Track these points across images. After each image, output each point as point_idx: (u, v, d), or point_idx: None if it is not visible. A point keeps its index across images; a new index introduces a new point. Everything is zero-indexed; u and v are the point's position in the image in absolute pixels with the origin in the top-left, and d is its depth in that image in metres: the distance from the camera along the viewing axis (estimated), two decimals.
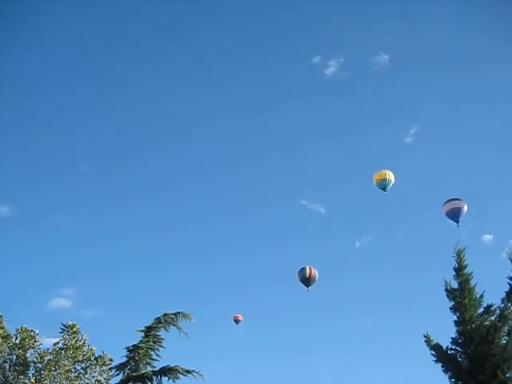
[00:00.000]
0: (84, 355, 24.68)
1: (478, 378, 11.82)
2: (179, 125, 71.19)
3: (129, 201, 68.71)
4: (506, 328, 12.21)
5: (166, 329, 17.14)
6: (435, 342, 12.80)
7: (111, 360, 24.53)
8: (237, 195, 72.07)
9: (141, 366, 16.57)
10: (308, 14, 62.88)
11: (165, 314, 17.26)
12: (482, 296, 12.68)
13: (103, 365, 24.71)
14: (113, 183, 72.82)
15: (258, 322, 56.06)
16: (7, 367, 23.99)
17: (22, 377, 23.95)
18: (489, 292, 12.91)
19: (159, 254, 68.01)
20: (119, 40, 66.91)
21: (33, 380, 23.61)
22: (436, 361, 12.66)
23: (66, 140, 71.32)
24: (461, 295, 12.67)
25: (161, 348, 17.03)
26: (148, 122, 70.56)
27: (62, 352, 24.41)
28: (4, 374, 23.73)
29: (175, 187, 70.36)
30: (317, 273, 37.03)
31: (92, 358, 24.77)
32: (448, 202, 33.54)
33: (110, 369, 23.27)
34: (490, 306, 12.51)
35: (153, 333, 17.04)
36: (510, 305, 12.36)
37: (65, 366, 24.19)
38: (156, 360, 16.85)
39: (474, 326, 12.37)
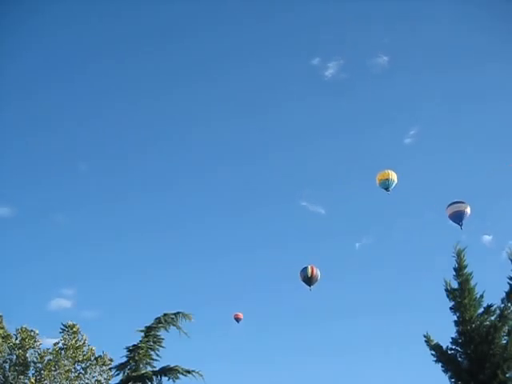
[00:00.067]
0: (84, 355, 24.69)
1: (478, 378, 11.82)
2: (179, 125, 71.28)
3: (129, 201, 68.78)
4: (506, 328, 12.22)
5: (166, 329, 17.14)
6: (435, 342, 12.81)
7: (111, 360, 24.55)
8: (237, 195, 72.13)
9: (141, 365, 16.58)
10: (308, 15, 62.98)
11: (165, 314, 17.27)
12: (482, 296, 12.69)
13: (103, 365, 24.72)
14: (113, 183, 72.89)
15: (258, 322, 56.08)
16: (7, 367, 24.00)
17: (22, 377, 23.96)
18: (489, 292, 12.94)
19: (159, 254, 68.06)
20: (119, 40, 67.00)
21: (33, 380, 23.61)
22: (436, 361, 12.66)
23: (65, 140, 71.37)
24: (461, 295, 12.67)
25: (161, 348, 17.04)
26: (148, 122, 70.65)
27: (62, 352, 24.41)
28: (4, 374, 23.74)
29: (175, 187, 70.43)
30: (319, 272, 37.08)
31: (92, 358, 24.78)
32: (451, 204, 33.54)
33: (110, 369, 23.28)
34: (490, 306, 12.52)
35: (153, 333, 17.04)
36: (510, 305, 12.36)
37: (65, 365, 24.20)
38: (156, 360, 16.87)
39: (473, 325, 12.37)
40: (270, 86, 70.61)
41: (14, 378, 23.79)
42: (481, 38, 53.96)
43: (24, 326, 24.87)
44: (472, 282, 12.77)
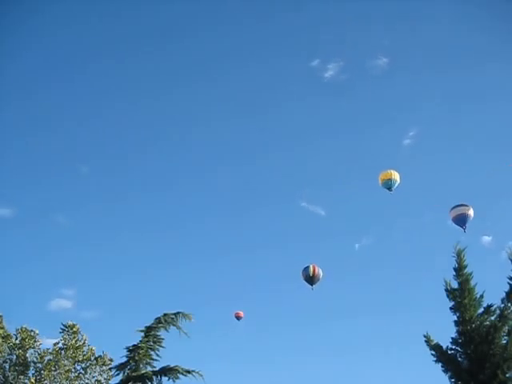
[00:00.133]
0: (84, 355, 24.70)
1: (478, 378, 11.82)
2: (179, 125, 71.30)
3: (129, 201, 68.81)
4: (506, 328, 12.21)
5: (166, 329, 17.14)
6: (435, 341, 12.81)
7: (111, 360, 24.56)
8: (237, 195, 72.15)
9: (141, 365, 16.57)
10: (307, 15, 62.99)
11: (165, 314, 17.26)
12: (482, 296, 12.69)
13: (103, 365, 24.73)
14: (113, 183, 72.92)
15: (258, 322, 56.13)
16: (7, 367, 24.01)
17: (22, 377, 23.97)
18: (489, 292, 12.94)
19: (159, 254, 68.08)
20: (119, 40, 67.02)
21: (33, 380, 23.62)
22: (436, 361, 12.66)
23: (65, 140, 71.40)
24: (461, 295, 12.67)
25: (161, 348, 17.04)
26: (148, 122, 70.62)
27: (62, 352, 24.43)
28: (4, 374, 23.75)
29: (175, 187, 70.44)
30: (321, 271, 37.17)
31: (92, 358, 24.79)
32: (454, 208, 33.63)
33: (110, 369, 23.29)
34: (490, 306, 12.52)
35: (153, 333, 17.04)
36: (510, 305, 12.36)
37: (65, 365, 24.21)
38: (156, 360, 16.86)
39: (474, 325, 12.37)
40: (270, 86, 70.74)
41: (13, 378, 23.80)
42: (481, 38, 54.05)
43: (24, 326, 24.91)
44: (472, 282, 12.77)
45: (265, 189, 71.92)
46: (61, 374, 23.97)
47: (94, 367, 24.68)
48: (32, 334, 24.68)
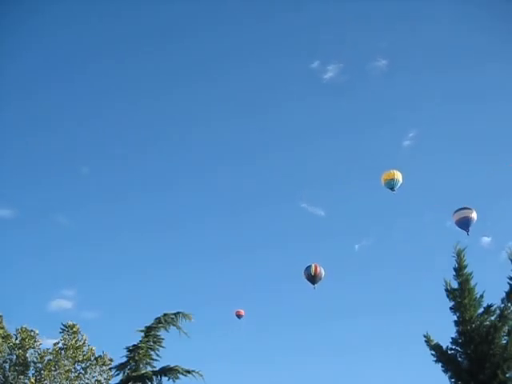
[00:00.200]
0: (84, 355, 24.70)
1: (478, 378, 11.82)
2: (179, 125, 71.28)
3: (129, 201, 68.79)
4: (506, 328, 12.22)
5: (166, 329, 17.14)
6: (435, 341, 12.82)
7: (111, 360, 24.56)
8: (237, 195, 72.14)
9: (141, 365, 16.57)
10: (307, 15, 62.99)
11: (165, 314, 17.27)
12: (482, 296, 12.69)
13: (103, 365, 24.73)
14: (113, 183, 72.91)
15: (258, 322, 56.06)
16: (7, 367, 24.01)
17: (22, 377, 23.97)
18: (489, 292, 12.94)
19: (159, 254, 68.09)
20: (119, 40, 67.00)
21: (33, 380, 23.62)
22: (436, 361, 12.67)
23: (65, 140, 71.37)
24: (461, 295, 12.68)
25: (161, 348, 17.04)
26: (148, 122, 70.60)
27: (62, 352, 24.43)
28: (4, 374, 23.75)
29: (175, 187, 70.43)
30: (322, 270, 37.34)
31: (92, 358, 24.79)
32: (458, 211, 33.78)
33: (110, 369, 23.29)
34: (490, 306, 12.52)
35: (153, 333, 17.04)
36: (510, 305, 12.37)
37: (65, 365, 24.21)
38: (156, 360, 16.86)
39: (474, 325, 12.38)
40: (270, 86, 70.74)
41: (13, 378, 23.80)
42: (481, 38, 54.03)
43: (24, 326, 24.91)
44: (472, 282, 12.78)
45: (265, 189, 72.01)
46: (61, 373, 23.97)
47: (93, 367, 24.68)
48: (32, 334, 24.68)
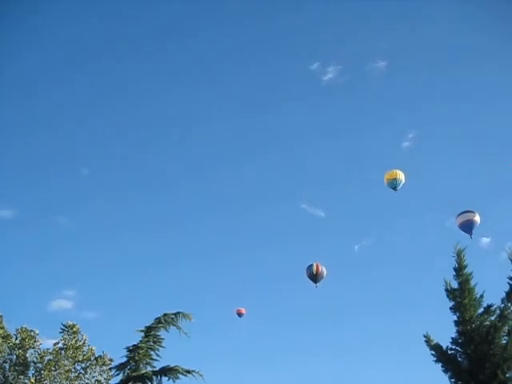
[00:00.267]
0: (84, 355, 24.71)
1: (478, 378, 11.82)
2: (179, 125, 71.24)
3: (129, 201, 68.77)
4: (506, 328, 12.22)
5: (166, 329, 17.15)
6: (435, 341, 12.82)
7: (111, 360, 24.57)
8: (237, 195, 72.12)
9: (141, 366, 16.58)
10: (307, 15, 63.00)
11: (165, 314, 17.27)
12: (482, 296, 12.70)
13: (103, 365, 24.74)
14: (113, 183, 72.88)
15: (258, 322, 55.94)
16: (7, 367, 24.02)
17: (22, 377, 23.98)
18: (489, 292, 12.94)
19: (159, 254, 68.05)
20: (119, 40, 66.95)
21: (33, 380, 23.63)
22: (436, 361, 12.67)
23: (66, 140, 71.30)
24: (461, 295, 12.68)
25: (161, 348, 17.05)
26: (148, 122, 70.57)
27: (62, 352, 24.44)
28: (4, 374, 23.76)
29: (175, 187, 70.38)
30: (324, 269, 37.58)
31: (92, 358, 24.80)
32: (461, 214, 33.93)
33: (110, 369, 23.29)
34: (490, 306, 12.52)
35: (153, 333, 17.05)
36: (510, 305, 12.37)
37: (65, 365, 24.22)
38: (156, 360, 16.87)
39: (474, 325, 12.38)
40: (270, 86, 70.72)
41: (13, 378, 23.81)
42: (481, 38, 53.98)
43: (24, 326, 24.92)
44: (472, 282, 12.78)
45: (265, 189, 71.96)
46: (61, 373, 23.97)
47: (94, 367, 24.69)
48: (32, 334, 24.69)
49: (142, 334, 17.05)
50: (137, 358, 16.58)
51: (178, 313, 17.27)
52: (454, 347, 12.56)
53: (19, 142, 66.40)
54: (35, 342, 24.67)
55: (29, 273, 60.26)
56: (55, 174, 70.40)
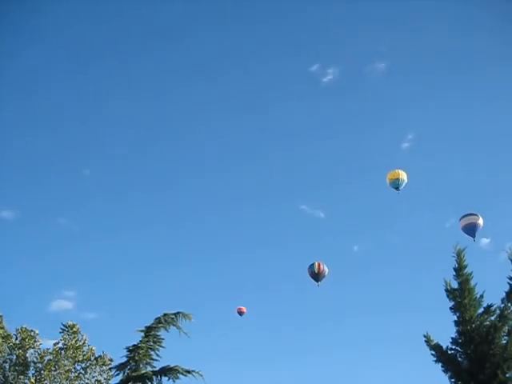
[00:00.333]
0: (84, 355, 24.71)
1: (478, 378, 11.83)
2: (179, 125, 71.23)
3: (129, 201, 68.79)
4: (506, 328, 12.23)
5: (166, 329, 17.15)
6: (435, 341, 12.83)
7: (111, 360, 24.57)
8: (237, 195, 72.16)
9: (141, 366, 16.58)
10: (307, 15, 62.96)
11: (165, 314, 17.27)
12: (482, 296, 12.71)
13: (103, 365, 24.74)
14: (112, 183, 72.82)
15: (258, 322, 55.93)
16: (7, 367, 24.02)
17: (22, 377, 23.98)
18: (489, 292, 12.95)
19: (159, 254, 68.06)
20: (119, 40, 66.97)
21: (33, 380, 23.63)
22: (436, 361, 12.68)
23: (66, 140, 71.23)
24: (461, 295, 12.69)
25: (161, 348, 17.04)
26: (148, 122, 70.56)
27: (62, 352, 24.44)
28: (4, 374, 23.76)
29: (175, 187, 70.37)
30: (326, 268, 37.74)
31: (92, 358, 24.80)
32: (464, 217, 34.03)
33: (110, 369, 23.29)
34: (490, 306, 12.54)
35: (153, 333, 17.05)
36: (510, 305, 12.38)
37: (65, 365, 24.22)
38: (156, 360, 16.87)
39: (474, 325, 12.39)
40: (270, 86, 70.72)
41: (13, 378, 23.81)
42: (481, 39, 54.03)
43: (24, 326, 24.91)
44: (472, 282, 12.79)
45: (265, 189, 71.94)
46: (61, 373, 23.98)
47: (94, 367, 24.70)
48: (32, 334, 24.69)
49: (142, 334, 17.04)
50: (137, 357, 16.58)
51: (178, 313, 17.28)
52: (453, 347, 12.57)
53: (19, 142, 66.45)
54: (35, 341, 24.67)
55: (29, 273, 60.30)
56: (55, 174, 70.44)
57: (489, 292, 12.88)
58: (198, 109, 67.85)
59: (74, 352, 24.46)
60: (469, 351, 12.26)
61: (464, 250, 13.14)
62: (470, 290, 12.68)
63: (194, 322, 17.41)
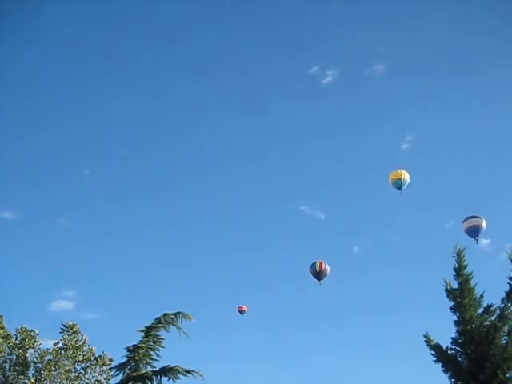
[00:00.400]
0: (84, 355, 24.72)
1: (478, 378, 11.83)
2: (179, 125, 71.24)
3: (129, 201, 68.79)
4: (506, 328, 12.23)
5: (166, 329, 17.15)
6: (435, 341, 12.83)
7: (111, 360, 24.58)
8: (237, 195, 72.19)
9: (141, 366, 16.59)
10: (307, 16, 62.97)
11: (165, 314, 17.28)
12: (482, 296, 12.71)
13: (103, 365, 24.75)
14: (112, 183, 72.80)
15: (258, 322, 55.92)
16: (7, 367, 24.03)
17: (22, 377, 23.99)
18: (489, 292, 12.95)
19: (159, 254, 68.06)
20: (119, 40, 66.93)
21: (33, 380, 23.64)
22: (436, 361, 12.68)
23: (66, 140, 71.21)
24: (461, 295, 12.69)
25: (161, 348, 17.05)
26: (148, 122, 70.56)
27: (62, 352, 24.45)
28: (4, 374, 23.76)
29: (175, 187, 70.38)
30: (328, 267, 37.93)
31: (92, 358, 24.81)
32: (467, 219, 34.10)
33: (110, 369, 23.30)
34: (490, 306, 12.54)
35: (153, 333, 17.06)
36: (510, 305, 12.38)
37: (65, 365, 24.22)
38: (156, 360, 16.88)
39: (474, 325, 12.39)
40: (270, 87, 70.74)
41: (13, 378, 23.82)
42: (481, 39, 54.02)
43: (24, 326, 24.93)
44: (472, 282, 12.80)
45: (265, 189, 71.94)
46: (61, 373, 23.98)
47: (94, 367, 24.71)
48: (32, 334, 24.70)
49: (142, 334, 17.05)
50: (137, 357, 16.59)
51: (178, 313, 17.28)
52: (453, 347, 12.58)
53: (19, 142, 66.44)
54: (35, 342, 24.69)
55: (29, 273, 60.27)
56: (55, 174, 70.42)
57: (489, 292, 12.91)
58: (198, 109, 67.93)
59: (73, 352, 24.47)
60: (469, 351, 12.26)
61: (464, 250, 13.16)
62: (470, 290, 12.69)
63: (194, 322, 17.45)
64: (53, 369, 23.97)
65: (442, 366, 12.58)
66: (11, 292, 53.28)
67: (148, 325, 17.23)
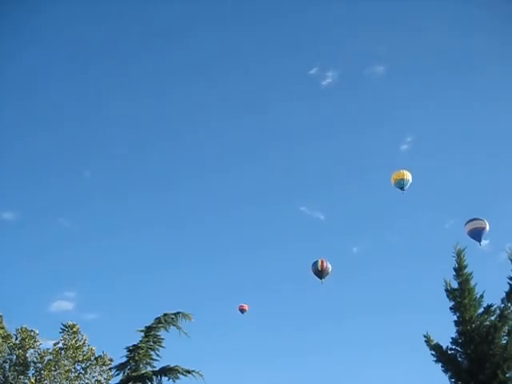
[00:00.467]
0: (84, 355, 24.71)
1: (478, 378, 11.83)
2: (179, 125, 71.28)
3: (129, 201, 68.85)
4: (506, 328, 12.23)
5: (166, 329, 17.15)
6: (435, 341, 12.83)
7: (111, 360, 24.57)
8: (237, 195, 72.22)
9: (141, 365, 16.58)
10: (307, 16, 62.99)
11: (165, 314, 17.28)
12: (482, 296, 12.71)
13: (103, 365, 24.74)
14: (112, 183, 72.89)
15: (258, 322, 55.95)
16: (7, 367, 24.01)
17: (22, 377, 23.97)
18: (489, 292, 12.94)
19: (159, 254, 68.11)
20: (119, 40, 67.09)
21: (33, 380, 23.63)
22: (436, 361, 12.68)
23: (66, 141, 71.31)
24: (461, 295, 12.69)
25: (161, 348, 17.05)
26: (148, 122, 70.58)
27: (62, 352, 24.43)
28: (4, 374, 23.75)
29: (175, 187, 70.45)
30: (329, 265, 38.04)
31: (92, 358, 24.80)
32: (470, 221, 34.11)
33: (110, 369, 23.29)
34: (490, 306, 12.53)
35: (153, 333, 17.05)
36: (510, 305, 12.38)
37: (65, 365, 24.21)
38: (156, 360, 16.87)
39: (474, 325, 12.39)
40: (270, 87, 70.80)
41: (13, 378, 23.81)
42: (481, 39, 54.04)
43: (24, 326, 24.90)
44: (472, 282, 12.79)
45: (265, 189, 72.05)
46: (61, 373, 23.98)
47: (94, 367, 24.69)
48: (32, 334, 24.69)
49: (142, 334, 17.05)
50: (137, 357, 16.58)
51: (178, 313, 17.28)
52: (453, 347, 12.57)
53: (19, 142, 66.54)
54: (35, 342, 24.67)
55: (29, 273, 60.38)
56: (55, 174, 70.50)
57: (489, 292, 12.90)
58: (198, 109, 68.02)
59: (73, 352, 24.46)
60: (469, 351, 12.26)
61: (464, 250, 13.15)
62: (470, 290, 12.69)
63: (194, 322, 17.45)
64: (53, 369, 23.96)
65: (442, 366, 12.57)
66: (11, 292, 53.40)
67: (148, 325, 17.22)
